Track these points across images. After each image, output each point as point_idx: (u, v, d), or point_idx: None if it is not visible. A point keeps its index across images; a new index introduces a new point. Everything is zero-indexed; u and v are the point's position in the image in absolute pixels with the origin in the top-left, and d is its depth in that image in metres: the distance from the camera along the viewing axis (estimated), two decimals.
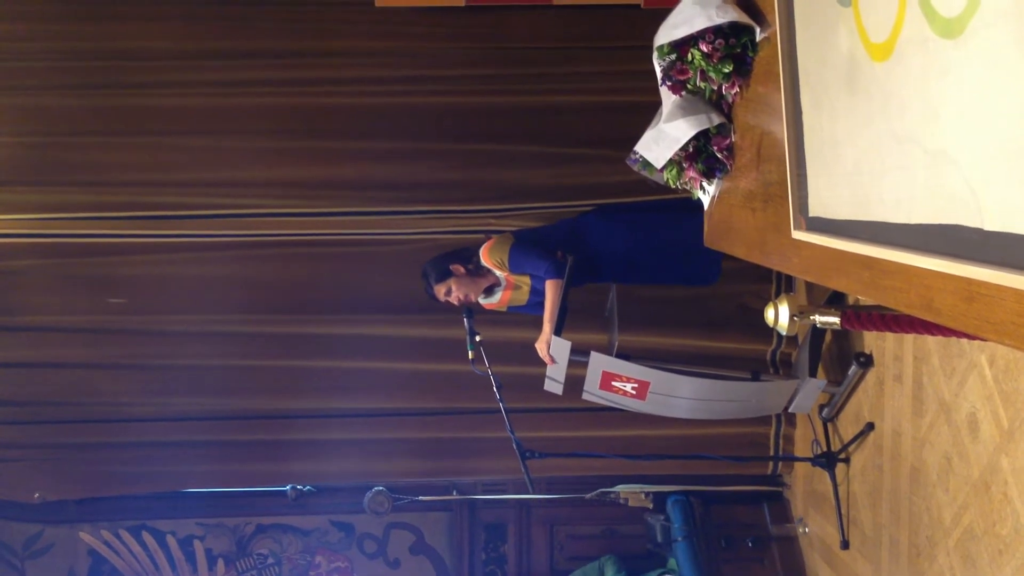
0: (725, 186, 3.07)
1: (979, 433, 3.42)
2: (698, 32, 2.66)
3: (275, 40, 5.02)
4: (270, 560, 6.05)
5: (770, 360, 5.33)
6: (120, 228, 5.13)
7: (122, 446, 5.61)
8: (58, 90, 4.99)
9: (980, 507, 3.44)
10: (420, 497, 5.78)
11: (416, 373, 5.50)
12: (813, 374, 4.59)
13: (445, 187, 5.10)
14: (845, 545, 4.77)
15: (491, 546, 6.15)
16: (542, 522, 6.15)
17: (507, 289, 4.56)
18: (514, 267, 4.44)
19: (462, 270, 4.48)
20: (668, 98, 2.98)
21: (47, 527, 5.96)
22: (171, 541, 6.02)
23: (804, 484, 5.51)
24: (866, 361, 4.45)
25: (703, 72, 2.74)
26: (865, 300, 3.45)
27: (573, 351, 4.19)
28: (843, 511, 4.79)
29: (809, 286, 4.81)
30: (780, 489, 5.86)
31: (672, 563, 5.58)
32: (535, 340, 4.30)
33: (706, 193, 3.26)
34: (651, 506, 5.76)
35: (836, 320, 3.41)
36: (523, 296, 4.56)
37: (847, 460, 4.80)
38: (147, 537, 6.01)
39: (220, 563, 6.03)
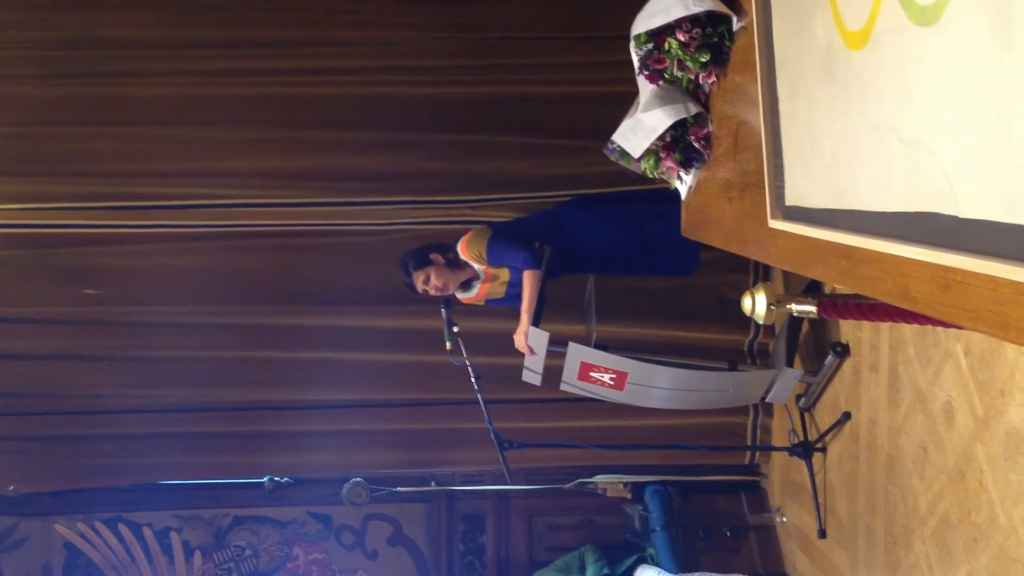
0: (702, 176, 3.08)
1: (954, 422, 3.44)
2: (675, 21, 2.65)
3: (255, 30, 4.98)
4: (247, 552, 6.04)
5: (747, 350, 5.35)
6: (100, 218, 5.09)
7: (98, 438, 5.59)
8: (36, 80, 4.94)
9: (955, 495, 3.46)
10: (398, 488, 5.76)
11: (394, 364, 5.49)
12: (790, 364, 4.60)
13: (424, 177, 5.08)
14: (822, 534, 4.79)
15: (469, 537, 6.16)
16: (521, 513, 6.17)
17: (485, 282, 4.55)
18: (492, 259, 4.43)
19: (441, 260, 4.47)
20: (645, 88, 2.98)
21: (22, 520, 5.94)
22: (147, 533, 6.00)
23: (781, 474, 5.54)
24: (843, 351, 4.47)
25: (680, 61, 2.74)
26: (842, 289, 3.47)
27: (551, 342, 4.19)
28: (820, 500, 4.81)
29: (786, 276, 4.83)
30: (757, 479, 5.89)
31: (650, 551, 5.60)
32: (513, 331, 4.30)
33: (683, 183, 3.27)
34: (629, 496, 5.77)
35: (813, 309, 3.43)
36: (501, 289, 4.55)
37: (824, 450, 4.82)
38: (123, 529, 5.99)
39: (197, 555, 6.02)
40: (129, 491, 5.96)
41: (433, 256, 4.46)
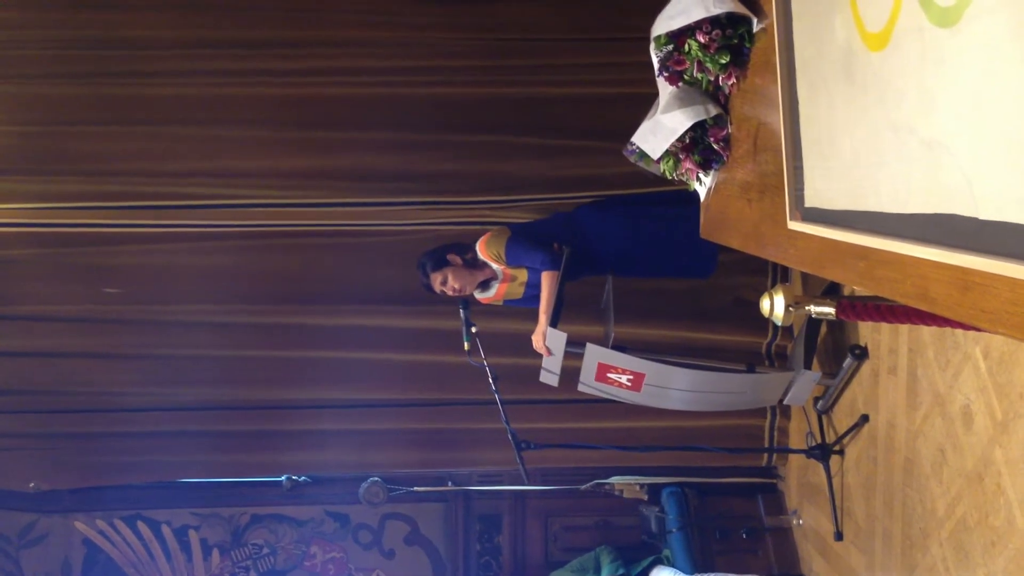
0: (721, 177, 3.08)
1: (973, 425, 3.43)
2: (695, 23, 2.66)
3: (273, 30, 5.00)
4: (265, 550, 6.07)
5: (765, 352, 5.34)
6: (117, 218, 5.11)
7: (117, 436, 5.62)
8: (54, 79, 4.97)
9: (973, 498, 3.45)
10: (415, 488, 5.79)
11: (412, 364, 5.50)
12: (808, 366, 4.59)
13: (442, 178, 5.09)
14: (839, 537, 4.78)
15: (486, 537, 6.17)
16: (537, 513, 6.17)
17: (503, 282, 4.56)
18: (511, 259, 4.44)
19: (459, 260, 4.48)
20: (665, 89, 2.98)
21: (42, 516, 5.97)
22: (166, 531, 6.03)
23: (798, 476, 5.52)
24: (861, 353, 4.46)
25: (700, 63, 2.74)
26: (861, 291, 3.47)
27: (569, 342, 4.19)
28: (837, 503, 4.80)
29: (805, 278, 4.82)
30: (774, 481, 5.88)
31: (666, 553, 5.60)
32: (531, 332, 4.31)
33: (702, 184, 3.27)
34: (646, 498, 5.77)
35: (831, 310, 3.42)
36: (519, 290, 4.56)
37: (841, 452, 4.81)
38: (142, 527, 6.02)
39: (215, 553, 6.04)
40: (148, 489, 5.98)
41: (451, 257, 4.48)
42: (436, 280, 4.49)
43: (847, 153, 1.89)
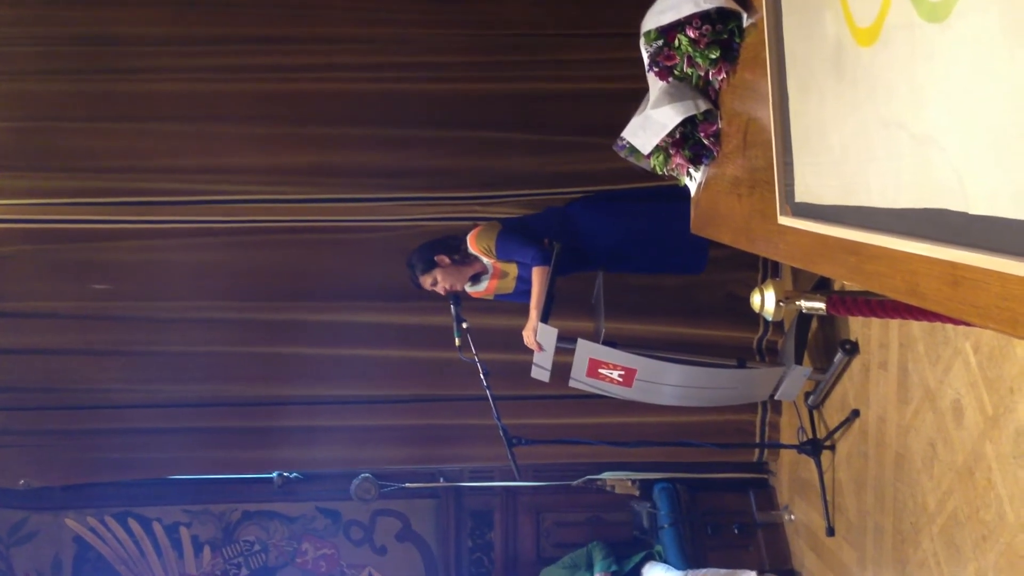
0: (712, 172, 3.07)
1: (963, 420, 3.44)
2: (685, 18, 2.65)
3: (264, 26, 4.99)
4: (256, 547, 6.06)
5: (756, 347, 5.35)
6: (108, 214, 5.10)
7: (108, 432, 5.60)
8: (45, 75, 4.95)
9: (964, 493, 3.46)
10: (407, 484, 5.79)
11: (403, 360, 5.49)
12: (799, 361, 4.60)
13: (433, 174, 5.08)
14: (830, 532, 4.79)
15: (477, 533, 6.17)
16: (528, 509, 6.17)
17: (494, 277, 4.55)
18: (501, 254, 4.44)
19: (447, 260, 4.47)
20: (655, 84, 2.98)
21: (32, 514, 5.95)
22: (157, 528, 6.02)
23: (790, 471, 5.53)
24: (852, 348, 4.46)
25: (690, 58, 2.73)
26: (851, 286, 3.47)
27: (560, 338, 4.19)
28: (828, 498, 4.81)
29: (795, 273, 4.82)
30: (766, 476, 5.88)
31: (658, 548, 5.60)
32: (522, 327, 4.30)
33: (693, 180, 3.26)
34: (637, 493, 5.78)
35: (822, 305, 3.42)
36: (510, 284, 4.55)
37: (832, 447, 4.81)
38: (133, 524, 6.00)
39: (206, 550, 6.03)
40: (139, 486, 5.97)
41: (438, 259, 4.47)
42: (426, 281, 4.50)
43: (837, 148, 1.89)
